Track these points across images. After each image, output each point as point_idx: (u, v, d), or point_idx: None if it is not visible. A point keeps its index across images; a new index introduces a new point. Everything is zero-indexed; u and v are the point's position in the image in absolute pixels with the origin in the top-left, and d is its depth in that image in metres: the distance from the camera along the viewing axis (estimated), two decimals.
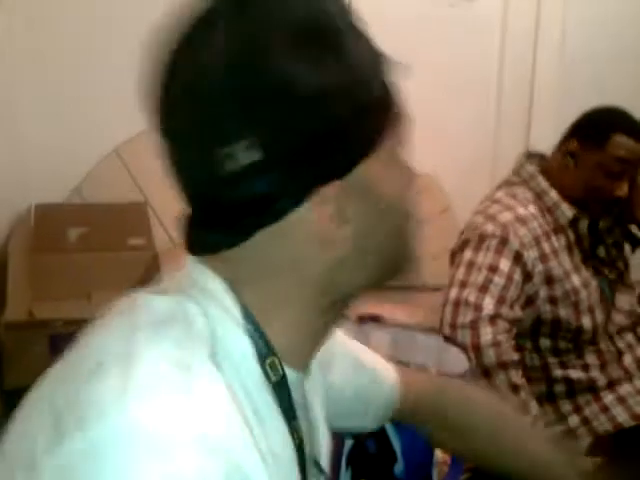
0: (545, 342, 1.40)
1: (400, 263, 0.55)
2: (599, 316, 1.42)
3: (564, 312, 1.37)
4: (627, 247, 1.60)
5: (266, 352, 0.49)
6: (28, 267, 1.56)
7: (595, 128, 1.40)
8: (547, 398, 1.40)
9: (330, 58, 0.46)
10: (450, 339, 1.19)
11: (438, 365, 1.12)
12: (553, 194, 1.42)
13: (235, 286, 0.49)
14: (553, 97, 2.35)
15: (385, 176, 0.50)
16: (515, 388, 1.29)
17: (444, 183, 2.19)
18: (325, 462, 0.64)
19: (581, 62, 2.29)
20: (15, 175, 1.69)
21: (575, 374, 1.41)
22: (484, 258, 1.34)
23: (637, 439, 1.36)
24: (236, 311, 0.49)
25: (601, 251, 1.51)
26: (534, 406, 1.31)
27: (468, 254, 1.36)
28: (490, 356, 1.27)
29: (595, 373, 1.41)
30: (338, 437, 1.10)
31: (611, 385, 1.41)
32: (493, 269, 1.32)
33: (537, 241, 1.37)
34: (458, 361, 1.15)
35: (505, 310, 1.30)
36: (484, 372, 1.29)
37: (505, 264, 1.33)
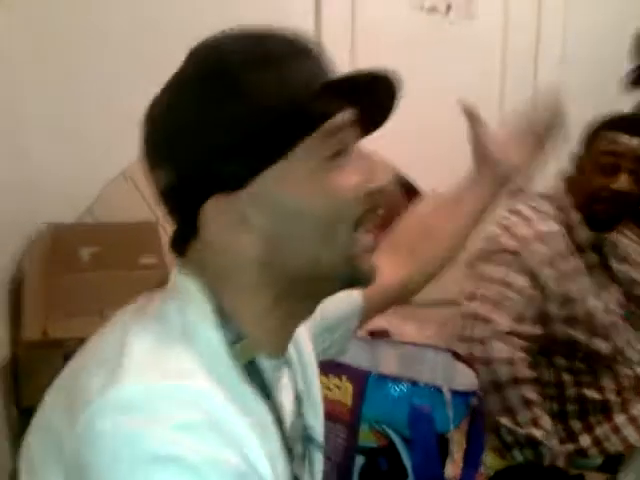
0: (560, 361, 1.38)
1: (337, 266, 0.59)
2: (619, 342, 1.39)
3: (580, 334, 1.36)
4: None
5: (235, 339, 0.56)
6: (43, 287, 1.58)
7: (587, 133, 1.44)
8: (559, 416, 1.39)
9: (226, 93, 0.54)
10: (459, 356, 1.19)
11: (446, 381, 1.13)
12: (574, 213, 1.41)
13: (209, 286, 0.58)
14: None
15: (296, 187, 0.56)
16: (528, 403, 1.29)
17: None
18: (320, 436, 0.70)
19: (582, 77, 2.31)
20: (25, 195, 1.72)
21: (589, 394, 1.39)
22: (498, 272, 1.33)
23: None
24: (208, 307, 0.57)
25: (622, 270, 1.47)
26: (547, 421, 1.31)
27: (483, 267, 1.36)
28: (504, 372, 1.27)
29: (610, 396, 1.39)
30: (349, 455, 1.12)
31: (624, 407, 1.40)
32: (507, 284, 1.32)
33: (555, 260, 1.35)
34: (466, 378, 1.16)
35: (520, 326, 1.29)
36: (495, 387, 1.29)
37: (519, 280, 1.32)
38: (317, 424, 0.70)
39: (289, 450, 0.59)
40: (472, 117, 0.90)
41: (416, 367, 1.22)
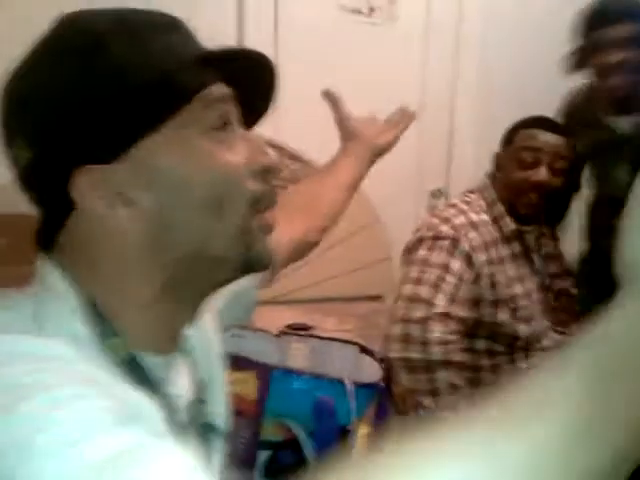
0: (481, 344, 1.45)
1: (230, 245, 0.56)
2: (537, 327, 1.49)
3: (503, 316, 1.44)
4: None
5: (106, 335, 0.52)
6: None
7: (507, 132, 1.54)
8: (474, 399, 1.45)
9: (93, 61, 0.52)
10: (366, 349, 1.21)
11: (353, 374, 1.14)
12: (499, 206, 1.51)
13: (75, 276, 0.53)
14: (473, 112, 2.43)
15: (176, 156, 0.53)
16: (453, 388, 1.34)
17: (373, 197, 2.23)
18: (223, 422, 0.66)
19: (500, 75, 2.39)
20: None
21: (505, 379, 1.46)
22: (437, 257, 1.41)
23: None
24: (72, 299, 0.52)
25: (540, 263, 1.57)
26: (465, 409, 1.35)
27: (422, 253, 1.44)
28: (436, 353, 1.33)
29: None
30: (252, 449, 1.11)
31: None
32: (445, 268, 1.39)
33: (486, 246, 1.45)
34: (372, 370, 1.17)
35: (455, 309, 1.36)
36: (427, 368, 1.33)
37: (456, 264, 1.40)
38: (222, 410, 0.67)
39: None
40: (333, 100, 1.00)
41: (324, 361, 1.22)
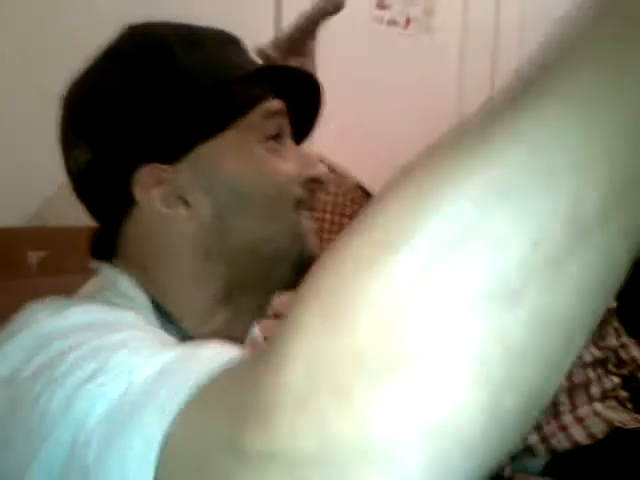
0: None
1: (285, 244, 0.57)
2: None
3: None
4: None
5: (180, 338, 0.51)
6: None
7: None
8: None
9: (162, 68, 0.54)
10: None
11: None
12: None
13: (141, 281, 0.54)
14: None
15: (234, 161, 0.55)
16: None
17: None
18: None
19: None
20: None
21: None
22: None
23: (593, 457, 1.39)
24: (146, 304, 0.53)
25: None
26: None
27: None
28: None
29: (562, 397, 1.44)
30: None
31: (573, 409, 1.45)
32: None
33: None
34: None
35: None
36: None
37: None
38: None
39: None
40: None
41: None
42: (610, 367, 1.51)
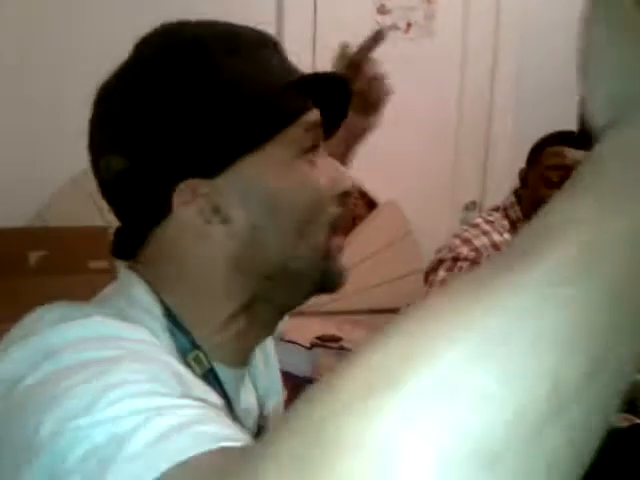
0: None
1: (312, 263, 0.56)
2: None
3: None
4: None
5: (189, 347, 0.51)
6: None
7: (534, 149, 1.52)
8: None
9: (204, 76, 0.52)
10: None
11: None
12: (522, 224, 1.50)
13: (156, 288, 0.53)
14: (509, 126, 2.42)
15: (275, 176, 0.53)
16: None
17: (406, 209, 2.24)
18: None
19: (537, 90, 2.38)
20: None
21: None
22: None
23: None
24: (157, 311, 0.52)
25: None
26: None
27: (442, 274, 1.43)
28: None
29: None
30: None
31: None
32: None
33: None
34: None
35: None
36: None
37: None
38: None
39: None
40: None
41: None
42: None
